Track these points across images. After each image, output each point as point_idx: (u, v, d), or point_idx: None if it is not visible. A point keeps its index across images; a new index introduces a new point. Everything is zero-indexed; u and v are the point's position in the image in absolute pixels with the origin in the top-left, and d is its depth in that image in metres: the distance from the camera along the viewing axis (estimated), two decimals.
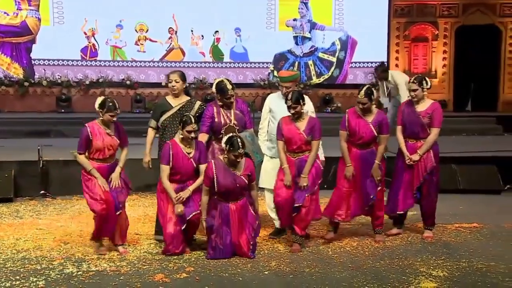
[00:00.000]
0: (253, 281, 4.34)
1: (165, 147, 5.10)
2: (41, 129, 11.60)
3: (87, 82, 14.20)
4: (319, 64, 15.45)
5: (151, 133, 5.51)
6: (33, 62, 14.28)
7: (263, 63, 15.20)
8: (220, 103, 5.41)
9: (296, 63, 15.24)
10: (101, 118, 5.02)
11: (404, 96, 8.62)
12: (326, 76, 15.49)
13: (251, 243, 4.91)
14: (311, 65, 15.41)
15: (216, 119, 5.38)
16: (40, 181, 7.57)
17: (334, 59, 15.47)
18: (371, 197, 5.32)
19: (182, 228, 4.92)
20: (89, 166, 4.95)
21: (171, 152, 5.00)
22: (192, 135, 5.00)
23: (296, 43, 15.33)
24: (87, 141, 4.98)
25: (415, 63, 15.55)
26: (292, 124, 5.17)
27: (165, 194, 5.02)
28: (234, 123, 5.37)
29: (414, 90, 5.51)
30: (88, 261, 4.79)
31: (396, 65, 15.66)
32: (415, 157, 5.47)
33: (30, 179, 7.63)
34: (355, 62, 15.52)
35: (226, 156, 4.95)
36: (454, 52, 15.47)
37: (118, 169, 5.05)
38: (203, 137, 5.37)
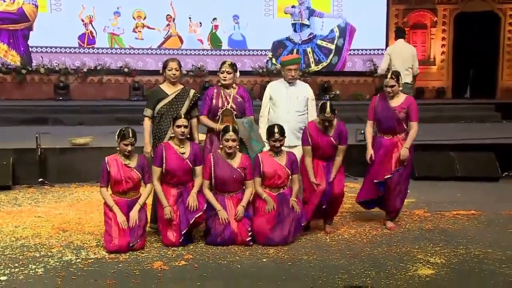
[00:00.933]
0: (252, 268, 4.36)
1: (158, 148, 5.07)
2: (39, 117, 11.58)
3: (85, 70, 14.15)
4: (317, 51, 15.41)
5: (148, 122, 5.43)
6: (30, 49, 14.21)
7: (261, 50, 15.14)
8: (220, 84, 5.45)
9: (295, 50, 15.18)
10: (117, 148, 4.95)
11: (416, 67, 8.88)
12: (324, 64, 15.46)
13: (249, 229, 4.94)
14: (309, 52, 15.37)
15: (214, 101, 5.40)
16: (38, 169, 7.56)
17: (332, 46, 15.42)
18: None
19: (183, 232, 4.84)
20: (110, 202, 4.84)
21: (164, 154, 4.98)
22: (182, 129, 4.95)
23: (295, 30, 15.27)
24: (106, 172, 4.89)
25: None
26: (273, 159, 5.16)
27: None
28: (232, 106, 5.38)
29: (392, 86, 5.36)
30: (87, 249, 4.80)
31: None
32: (404, 151, 5.30)
33: (28, 167, 7.62)
34: (354, 50, 15.48)
35: (221, 146, 5.03)
36: (453, 39, 15.42)
37: (137, 207, 4.88)
38: (204, 119, 5.41)
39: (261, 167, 5.13)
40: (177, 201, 4.97)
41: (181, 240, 4.85)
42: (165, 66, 5.43)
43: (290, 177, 5.19)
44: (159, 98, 5.41)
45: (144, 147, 5.43)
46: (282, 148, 5.23)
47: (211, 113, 5.43)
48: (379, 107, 5.46)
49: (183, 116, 5.01)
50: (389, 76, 5.42)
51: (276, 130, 5.12)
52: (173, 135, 5.07)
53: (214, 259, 4.55)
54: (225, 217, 4.92)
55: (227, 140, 4.98)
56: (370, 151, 5.47)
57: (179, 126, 4.96)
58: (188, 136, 5.17)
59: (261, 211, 5.06)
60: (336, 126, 5.29)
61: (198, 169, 5.07)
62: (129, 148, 4.87)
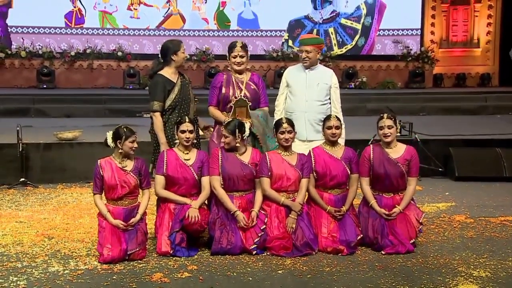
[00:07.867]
0: (265, 282, 4.38)
1: (160, 154, 5.16)
2: (20, 108, 11.67)
3: (72, 53, 14.24)
4: (341, 32, 15.39)
5: (160, 118, 5.34)
6: (9, 29, 14.33)
7: (276, 31, 15.16)
8: (229, 69, 5.48)
9: (315, 30, 15.17)
10: (120, 151, 4.95)
11: None
12: (349, 46, 15.44)
13: (259, 235, 4.97)
14: (332, 33, 15.36)
15: (224, 89, 5.43)
16: (20, 167, 7.62)
17: (359, 26, 15.39)
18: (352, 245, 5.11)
19: (175, 231, 4.92)
20: (104, 210, 4.90)
21: (165, 160, 5.06)
22: (187, 135, 5.02)
23: (315, 8, 15.27)
24: (100, 178, 4.95)
25: (454, 30, 15.43)
26: (282, 158, 5.17)
27: (164, 206, 5.07)
28: (245, 95, 5.40)
29: (390, 127, 5.16)
30: (76, 258, 4.84)
31: (432, 33, 15.56)
32: (396, 210, 5.13)
33: (8, 165, 7.68)
34: (384, 30, 15.44)
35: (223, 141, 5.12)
36: (501, 17, 15.34)
37: (137, 217, 4.92)
38: (212, 110, 5.46)
39: (269, 165, 5.15)
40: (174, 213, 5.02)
41: (173, 246, 4.89)
42: (179, 48, 5.42)
43: (300, 180, 5.21)
44: (169, 89, 5.38)
45: (160, 147, 5.34)
46: (294, 149, 5.27)
47: (221, 103, 5.46)
48: (376, 160, 5.24)
49: (187, 120, 5.05)
50: (385, 116, 5.23)
51: (284, 120, 5.18)
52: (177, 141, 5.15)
53: (222, 271, 4.58)
54: (244, 221, 4.96)
55: (226, 137, 5.07)
56: (382, 211, 5.13)
57: (183, 132, 5.03)
58: (195, 141, 5.22)
59: (273, 224, 5.07)
60: (344, 149, 5.29)
61: (205, 180, 5.10)
62: (135, 145, 4.93)
